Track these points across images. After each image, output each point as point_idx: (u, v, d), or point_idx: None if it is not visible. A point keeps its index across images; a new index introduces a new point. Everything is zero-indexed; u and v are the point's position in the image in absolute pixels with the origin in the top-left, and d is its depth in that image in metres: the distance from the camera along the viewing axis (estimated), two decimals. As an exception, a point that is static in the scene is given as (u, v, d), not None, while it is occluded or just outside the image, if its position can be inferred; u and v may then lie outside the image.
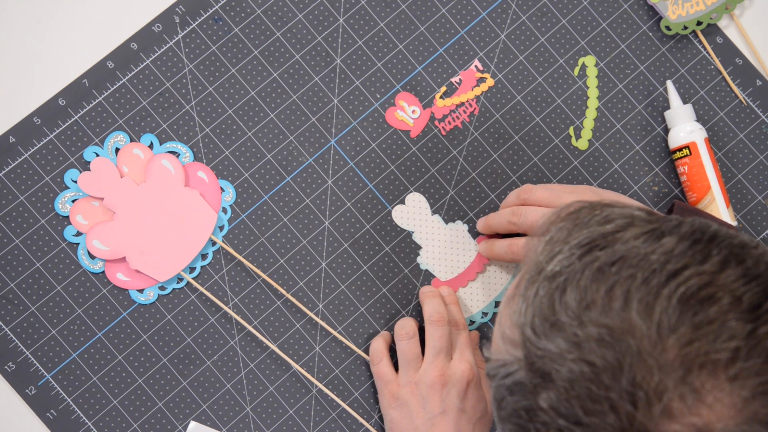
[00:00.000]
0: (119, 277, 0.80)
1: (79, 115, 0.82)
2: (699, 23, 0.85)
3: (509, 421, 0.52)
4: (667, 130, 0.85)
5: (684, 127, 0.82)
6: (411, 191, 0.84)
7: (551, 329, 0.50)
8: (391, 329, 0.82)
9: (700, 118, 0.85)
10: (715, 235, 0.51)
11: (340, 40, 0.84)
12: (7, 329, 0.80)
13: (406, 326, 0.79)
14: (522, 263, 0.57)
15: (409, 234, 0.83)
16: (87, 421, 0.79)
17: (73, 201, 0.81)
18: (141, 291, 0.81)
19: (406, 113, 0.84)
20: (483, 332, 0.83)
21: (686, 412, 0.46)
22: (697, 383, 0.46)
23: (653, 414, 0.46)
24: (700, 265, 0.49)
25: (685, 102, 0.85)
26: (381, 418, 0.81)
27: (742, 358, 0.46)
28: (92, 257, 0.80)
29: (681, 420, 0.46)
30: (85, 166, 0.81)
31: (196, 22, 0.83)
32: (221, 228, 0.82)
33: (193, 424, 0.80)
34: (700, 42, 0.86)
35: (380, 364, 0.79)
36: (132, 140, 0.82)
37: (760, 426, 0.46)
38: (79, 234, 0.80)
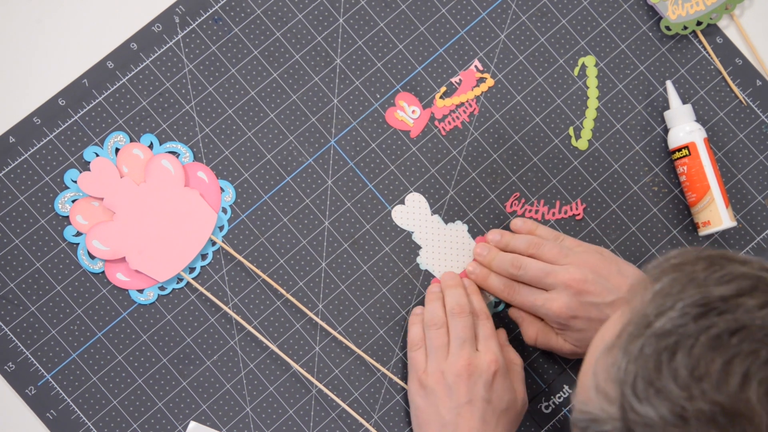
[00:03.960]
0: (119, 277, 0.80)
1: (79, 115, 0.82)
2: (699, 23, 0.85)
3: None
4: (666, 130, 0.84)
5: (683, 127, 0.82)
6: (411, 191, 0.84)
7: (656, 395, 0.46)
8: (390, 330, 0.82)
9: (699, 118, 0.85)
10: None
11: (340, 40, 0.84)
12: (7, 329, 0.80)
13: (436, 315, 0.78)
14: (621, 307, 0.53)
15: (409, 234, 0.83)
16: (87, 421, 0.79)
17: (73, 201, 0.81)
18: (141, 291, 0.81)
19: (406, 113, 0.84)
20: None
21: None
22: None
23: None
24: None
25: (684, 102, 0.85)
26: (381, 418, 0.81)
27: None
28: (92, 257, 0.80)
29: None
30: (85, 166, 0.81)
31: (196, 22, 0.83)
32: (221, 228, 0.82)
33: (193, 425, 0.80)
34: (700, 42, 0.86)
35: (418, 351, 0.78)
36: (132, 140, 0.82)
37: None
38: (79, 234, 0.80)
